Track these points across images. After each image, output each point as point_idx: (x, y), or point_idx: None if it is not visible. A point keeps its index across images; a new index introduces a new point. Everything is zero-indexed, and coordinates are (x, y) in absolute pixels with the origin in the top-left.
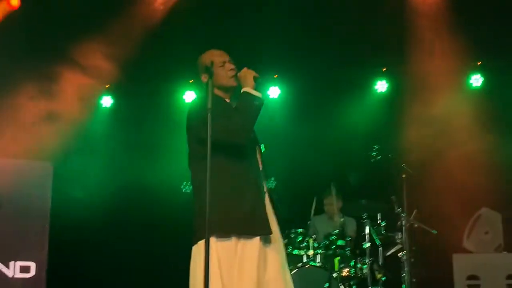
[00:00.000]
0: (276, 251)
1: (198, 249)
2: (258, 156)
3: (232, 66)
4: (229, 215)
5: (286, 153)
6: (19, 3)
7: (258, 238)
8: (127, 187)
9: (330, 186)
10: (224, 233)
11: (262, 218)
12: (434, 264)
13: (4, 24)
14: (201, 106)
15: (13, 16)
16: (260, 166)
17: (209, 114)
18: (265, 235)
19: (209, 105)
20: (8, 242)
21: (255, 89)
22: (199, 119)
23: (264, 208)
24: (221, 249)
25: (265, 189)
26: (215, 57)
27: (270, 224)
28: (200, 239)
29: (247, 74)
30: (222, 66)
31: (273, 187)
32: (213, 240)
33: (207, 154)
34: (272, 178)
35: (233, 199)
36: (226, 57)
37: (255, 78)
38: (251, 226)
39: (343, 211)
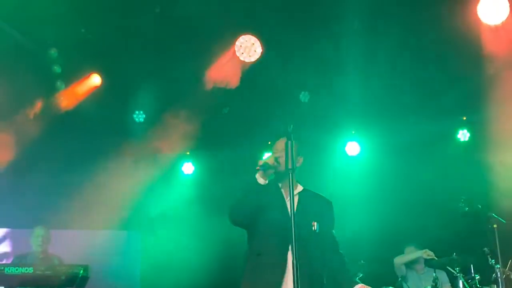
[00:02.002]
0: None
1: None
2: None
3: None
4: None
5: (370, 209)
6: (102, 80)
7: None
8: (213, 252)
9: (410, 244)
10: None
11: None
12: None
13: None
14: None
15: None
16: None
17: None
18: None
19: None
20: None
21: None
22: None
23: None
24: None
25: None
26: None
27: None
28: None
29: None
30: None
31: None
32: None
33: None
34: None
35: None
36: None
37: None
38: None
39: (434, 265)
